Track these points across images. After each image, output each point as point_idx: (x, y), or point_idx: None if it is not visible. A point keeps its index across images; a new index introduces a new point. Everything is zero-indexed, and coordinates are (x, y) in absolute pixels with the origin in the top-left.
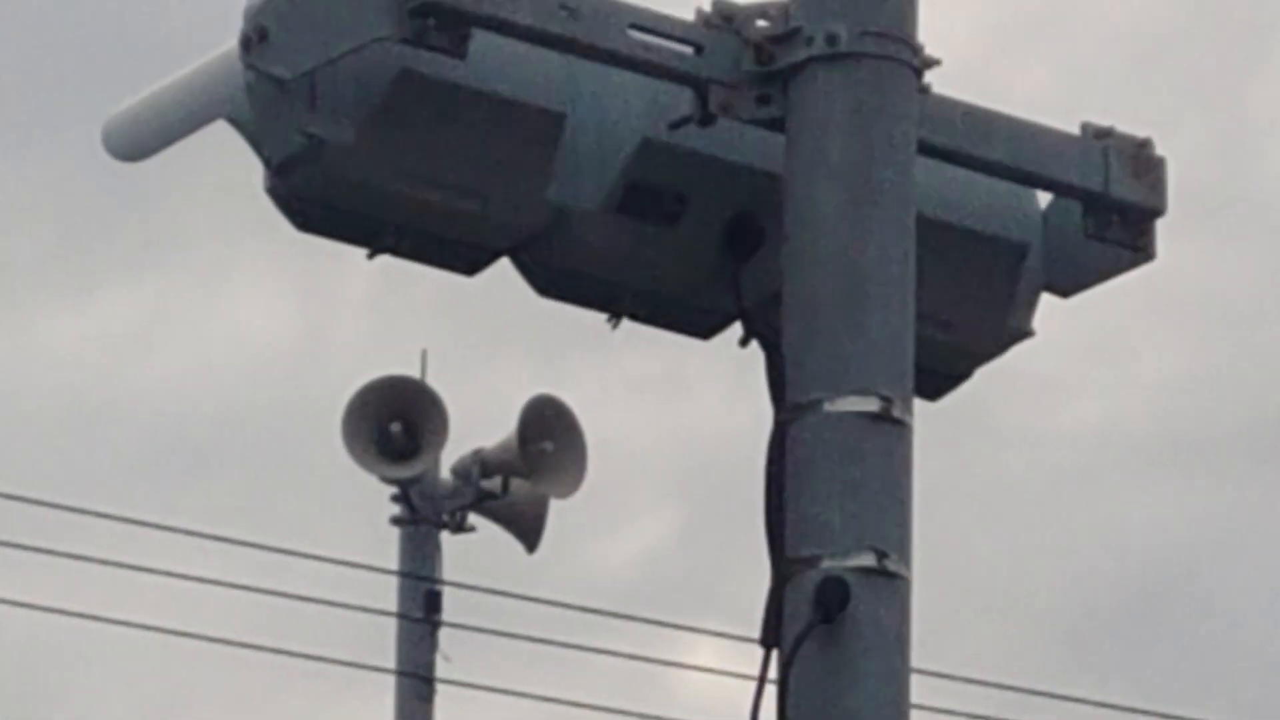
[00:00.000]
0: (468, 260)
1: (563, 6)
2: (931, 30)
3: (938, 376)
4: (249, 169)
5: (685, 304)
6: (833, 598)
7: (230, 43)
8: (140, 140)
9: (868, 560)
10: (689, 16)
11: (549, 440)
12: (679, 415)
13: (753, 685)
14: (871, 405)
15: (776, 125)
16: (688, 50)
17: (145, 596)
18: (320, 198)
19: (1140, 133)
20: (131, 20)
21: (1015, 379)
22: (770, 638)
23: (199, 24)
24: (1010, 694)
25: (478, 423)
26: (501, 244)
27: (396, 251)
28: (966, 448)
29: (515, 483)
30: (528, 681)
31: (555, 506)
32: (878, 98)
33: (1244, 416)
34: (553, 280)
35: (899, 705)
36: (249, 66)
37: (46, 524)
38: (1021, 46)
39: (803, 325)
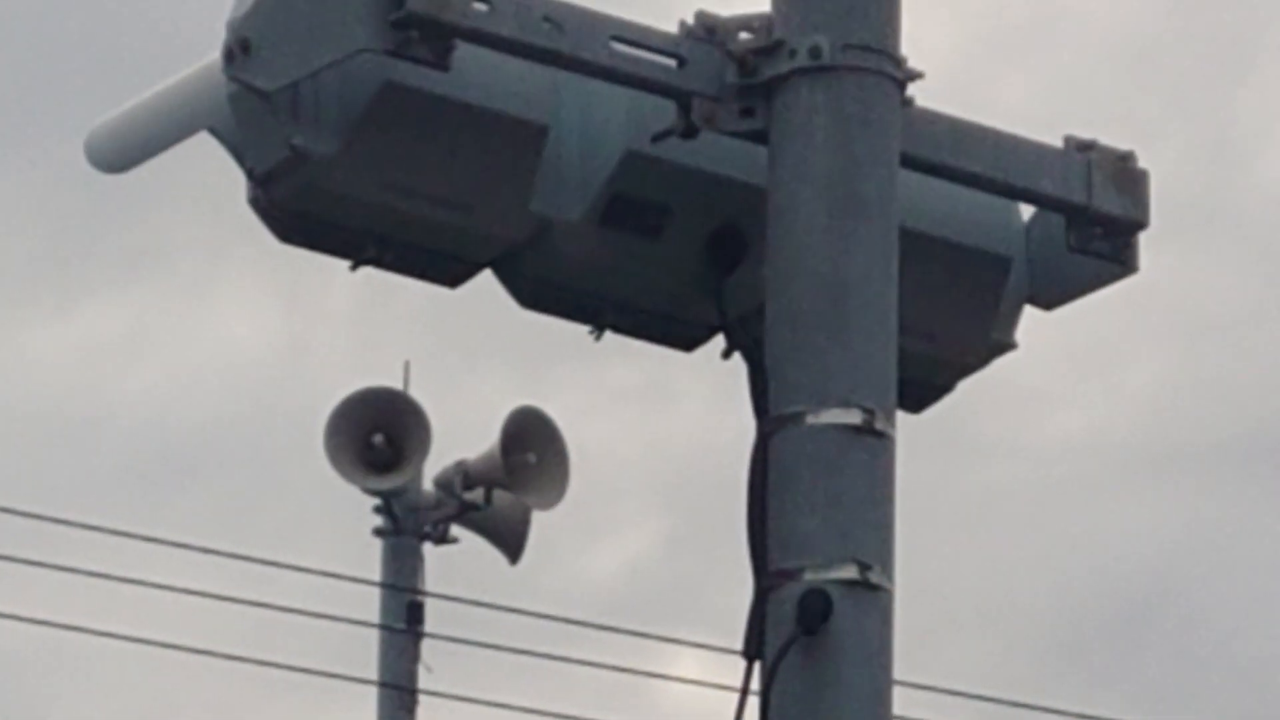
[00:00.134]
0: (451, 272)
1: (546, 19)
2: (914, 43)
3: (920, 389)
4: (233, 180)
5: (668, 316)
6: (815, 610)
7: (213, 55)
8: (123, 152)
9: (850, 572)
10: (672, 29)
11: (531, 452)
12: (662, 427)
13: (735, 697)
14: (854, 418)
15: (759, 138)
16: (671, 63)
17: (128, 607)
18: (303, 209)
19: (1124, 145)
20: (115, 32)
21: (998, 391)
22: (753, 649)
23: (183, 36)
24: (994, 706)
25: (460, 434)
26: (484, 256)
27: (379, 263)
28: (949, 460)
29: (498, 494)
30: (510, 693)
31: (538, 518)
32: (861, 110)
33: (1229, 427)
34: (536, 292)
35: (881, 717)
36: (232, 78)
37: (29, 535)
38: (1005, 59)
39: (785, 337)
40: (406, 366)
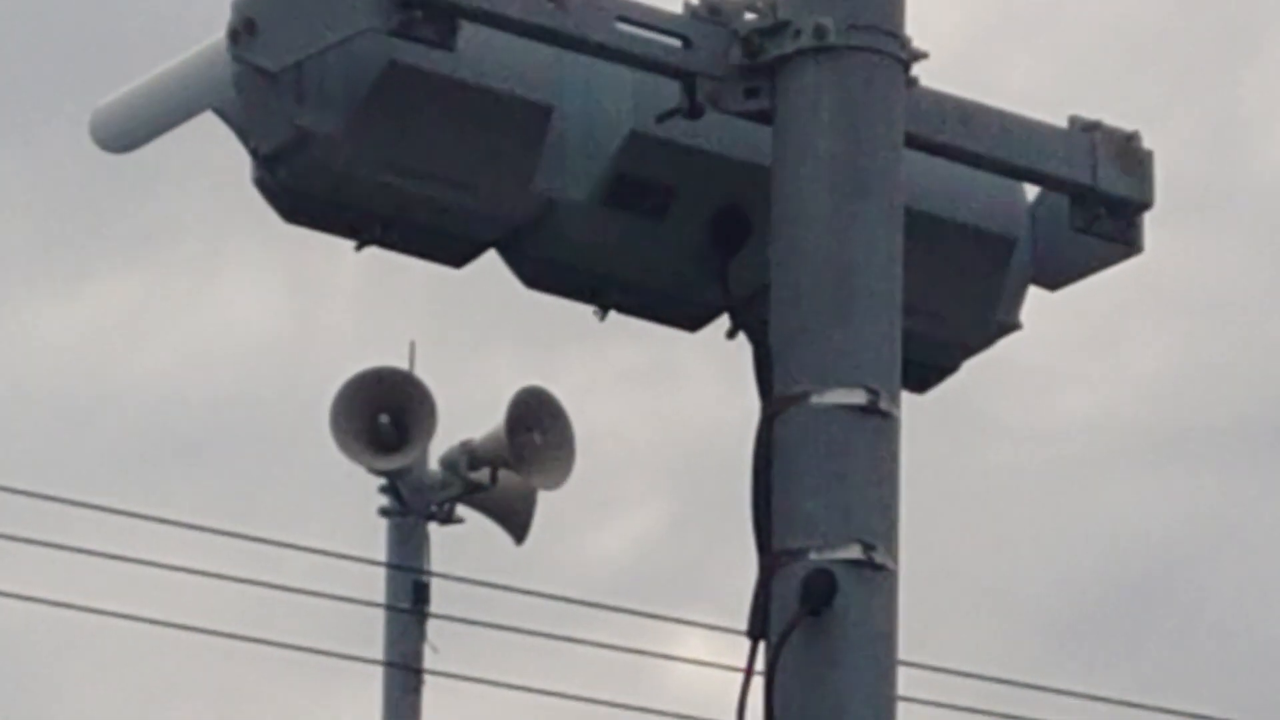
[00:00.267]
0: (455, 252)
1: None
2: (919, 23)
3: (925, 369)
4: (238, 160)
5: (673, 296)
6: (820, 590)
7: (218, 35)
8: (128, 132)
9: (855, 553)
10: (677, 9)
11: (537, 432)
12: (668, 407)
13: (740, 677)
14: (859, 398)
15: (764, 118)
16: (675, 43)
17: (133, 587)
18: (308, 189)
19: (1129, 126)
20: (120, 12)
21: (1003, 372)
22: (757, 629)
23: (187, 16)
24: (998, 686)
25: (466, 414)
26: (489, 236)
27: (384, 243)
28: (954, 440)
29: (503, 474)
30: (516, 673)
31: (544, 498)
32: (865, 91)
33: (1234, 409)
34: (540, 272)
35: (885, 697)
36: (237, 58)
37: (35, 515)
38: (1010, 40)
39: (790, 318)
40: (412, 346)
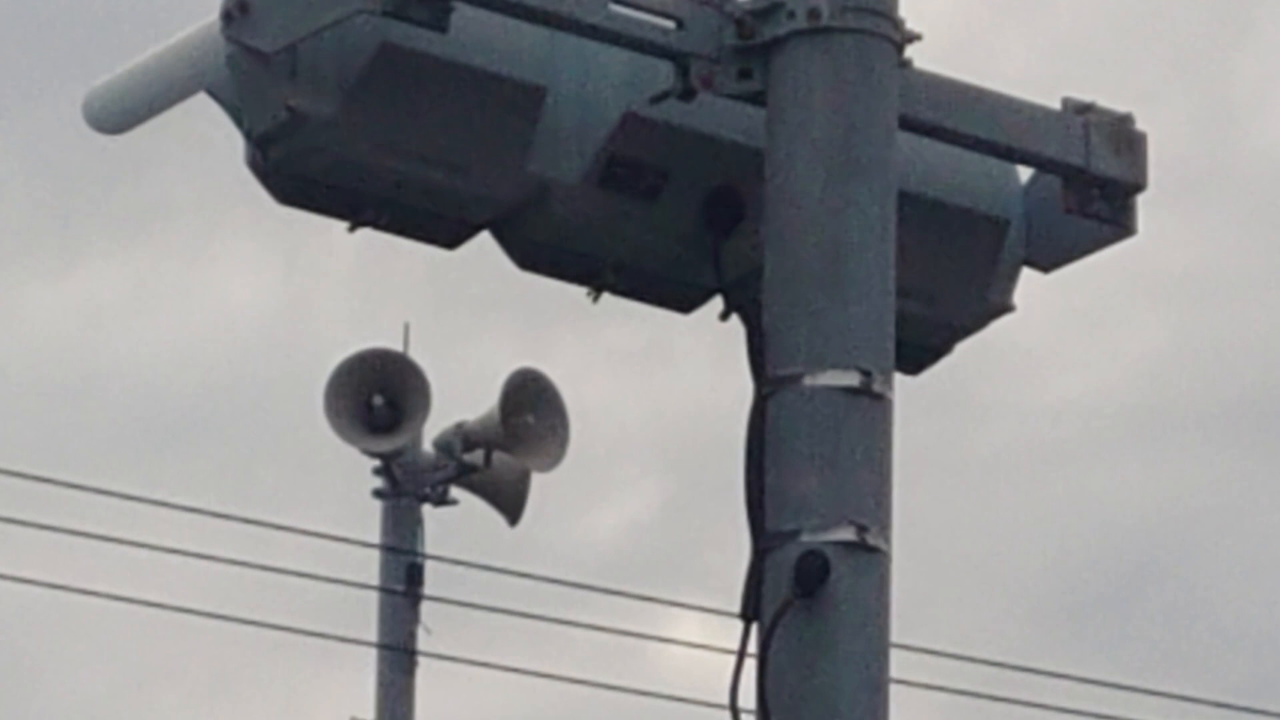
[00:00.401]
0: (448, 233)
1: None
2: (913, 5)
3: (918, 350)
4: (232, 141)
5: (666, 278)
6: (812, 572)
7: (212, 16)
8: (122, 112)
9: (848, 534)
10: None
11: (531, 414)
12: (662, 388)
13: (733, 659)
14: (852, 379)
15: (757, 99)
16: (669, 24)
17: (126, 569)
18: (301, 171)
19: (1123, 107)
20: None
21: (996, 353)
22: (750, 611)
23: None
24: (991, 669)
25: (460, 396)
26: (482, 217)
27: (377, 225)
28: (947, 422)
29: (497, 456)
30: (509, 655)
31: (537, 480)
32: (859, 72)
33: (1227, 391)
34: (533, 253)
35: (878, 679)
36: (230, 39)
37: (27, 497)
38: (1003, 21)
39: (783, 299)
40: (406, 328)
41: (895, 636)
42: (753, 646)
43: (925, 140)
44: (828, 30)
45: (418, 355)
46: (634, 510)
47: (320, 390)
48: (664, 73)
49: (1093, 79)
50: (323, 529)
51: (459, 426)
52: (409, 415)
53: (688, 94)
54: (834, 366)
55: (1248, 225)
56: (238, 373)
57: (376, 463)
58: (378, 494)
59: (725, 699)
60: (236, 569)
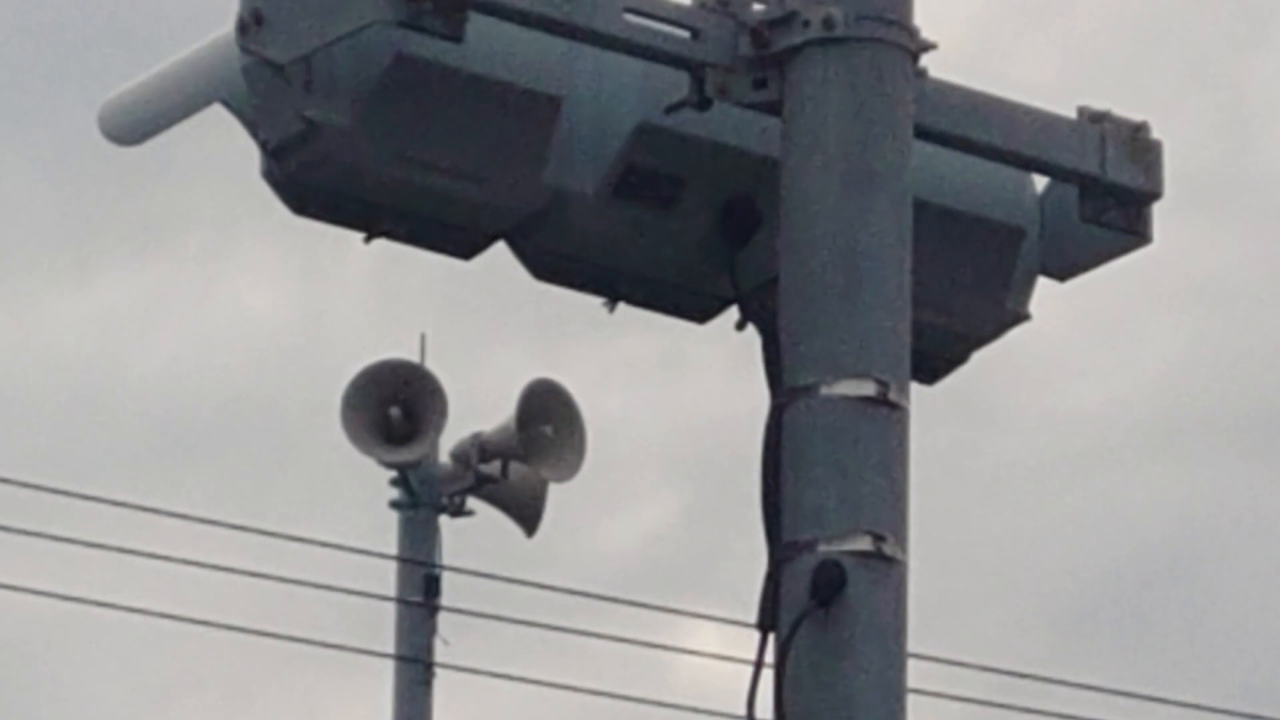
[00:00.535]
0: (464, 244)
1: None
2: (928, 14)
3: (934, 360)
4: (248, 152)
5: (682, 288)
6: (829, 582)
7: (227, 27)
8: (137, 124)
9: (864, 544)
10: (685, 1)
11: (548, 424)
12: (679, 398)
13: (750, 669)
14: (868, 389)
15: (773, 109)
16: (684, 34)
17: (143, 581)
18: (316, 181)
19: (1138, 115)
20: (129, 4)
21: (1012, 362)
22: (767, 621)
23: (196, 8)
24: (1008, 678)
25: (477, 407)
26: (498, 228)
27: (393, 235)
28: (963, 431)
29: (514, 467)
30: (527, 666)
31: (554, 490)
32: (874, 82)
33: (1244, 399)
34: (549, 264)
35: (895, 689)
36: (245, 50)
37: (44, 508)
38: (1018, 30)
39: (799, 309)
40: (423, 339)
41: (912, 646)
42: (770, 657)
43: (940, 149)
44: (843, 39)
45: (434, 366)
46: (651, 520)
47: (337, 401)
48: (679, 82)
49: (1108, 87)
50: (339, 540)
51: (476, 437)
52: (425, 426)
53: (703, 104)
54: (850, 376)
55: (1264, 233)
56: (254, 384)
57: (393, 474)
58: (394, 505)
59: (742, 709)
60: (252, 580)
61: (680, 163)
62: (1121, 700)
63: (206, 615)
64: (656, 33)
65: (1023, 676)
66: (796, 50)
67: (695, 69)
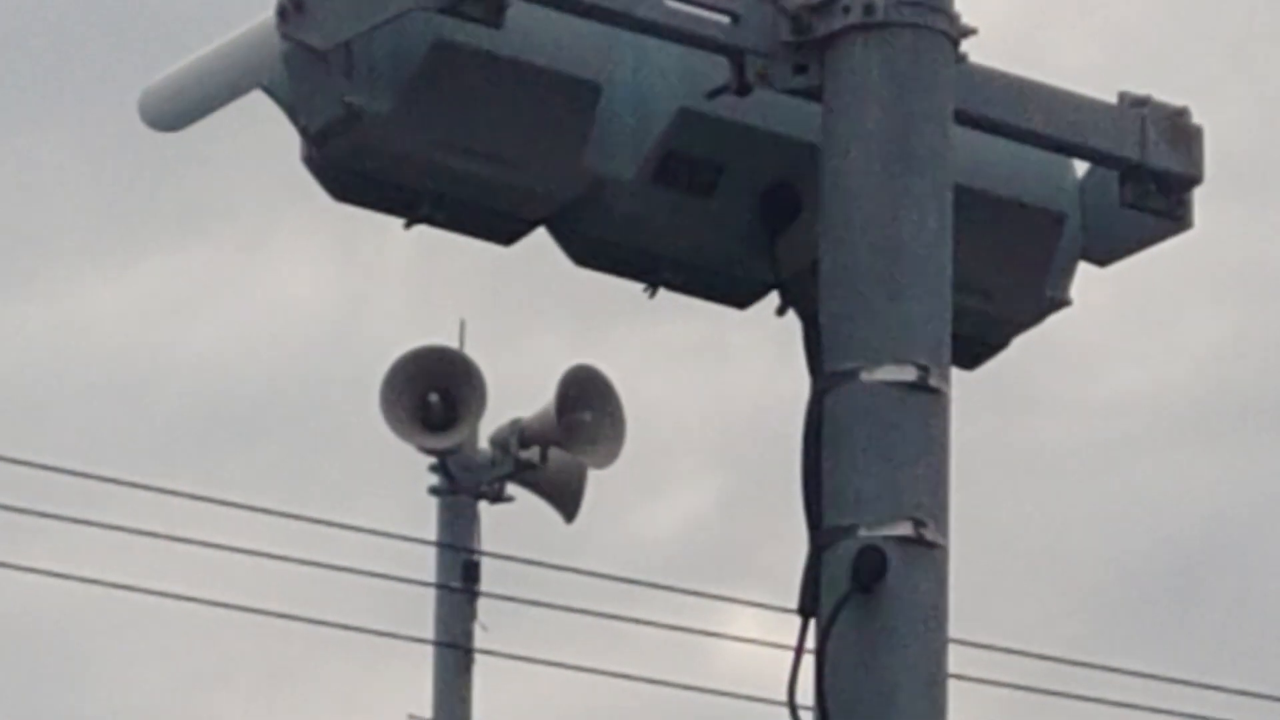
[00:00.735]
0: (504, 230)
1: None
2: None
3: (975, 345)
4: (289, 137)
5: (722, 273)
6: (870, 567)
7: (267, 13)
8: (178, 110)
9: (905, 529)
10: None
11: (587, 410)
12: (719, 384)
13: (791, 655)
14: (909, 374)
15: (813, 95)
16: (724, 19)
17: (184, 567)
18: (357, 167)
19: (1179, 100)
20: None
21: (1053, 348)
22: (808, 607)
23: None
24: (1049, 664)
25: (516, 393)
26: (538, 214)
27: (433, 221)
28: (1004, 417)
29: (553, 453)
30: (566, 652)
31: (593, 476)
32: (915, 67)
33: None
34: (589, 250)
35: (936, 675)
36: (285, 36)
37: (87, 494)
38: (1059, 14)
39: (840, 295)
40: (462, 325)
41: (953, 631)
42: (811, 642)
43: (981, 135)
44: (883, 25)
45: (474, 352)
46: (691, 506)
47: (377, 387)
48: (720, 68)
49: (1149, 72)
50: (379, 526)
51: (515, 423)
52: (465, 412)
53: (743, 89)
54: (891, 361)
55: None
56: (295, 370)
57: (433, 460)
58: (434, 491)
59: (783, 695)
60: (293, 566)
61: (720, 148)
62: (1161, 685)
63: (246, 601)
64: (696, 18)
65: (1062, 661)
66: (837, 36)
67: (735, 54)
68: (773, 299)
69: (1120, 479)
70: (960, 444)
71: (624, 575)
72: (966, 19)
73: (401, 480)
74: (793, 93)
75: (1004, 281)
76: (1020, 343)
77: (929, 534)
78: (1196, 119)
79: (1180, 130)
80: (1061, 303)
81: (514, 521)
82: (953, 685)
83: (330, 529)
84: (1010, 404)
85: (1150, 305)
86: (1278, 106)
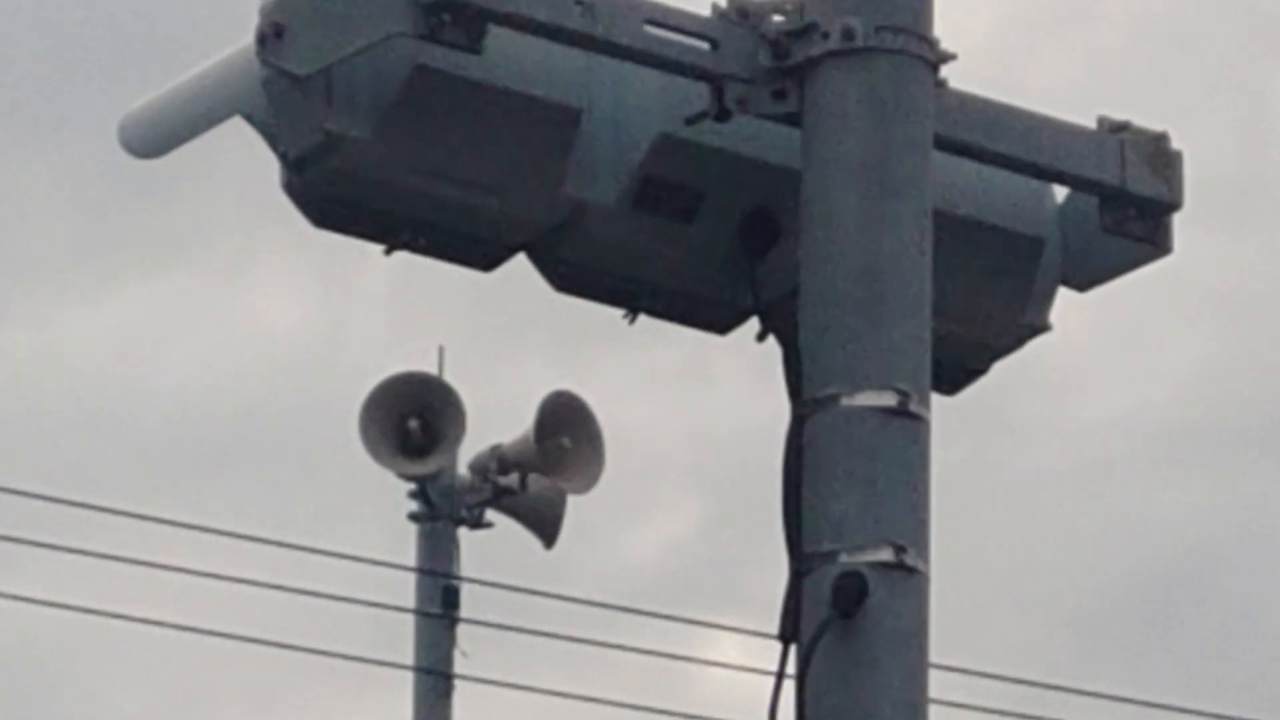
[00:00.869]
0: (485, 256)
1: (579, 2)
2: (947, 23)
3: (955, 370)
4: (268, 163)
5: (702, 299)
6: (851, 593)
7: (246, 39)
8: (157, 137)
9: (885, 555)
10: (705, 12)
11: (566, 436)
12: (700, 409)
13: (772, 680)
14: (889, 400)
15: (793, 120)
16: (704, 45)
17: (163, 593)
18: (336, 194)
19: (1159, 125)
20: (148, 17)
21: (1033, 372)
22: (789, 633)
23: (215, 20)
24: (1030, 689)
25: (495, 419)
26: (518, 239)
27: (413, 247)
28: (984, 442)
29: (533, 478)
30: (546, 677)
31: (573, 502)
32: (894, 92)
33: (1265, 409)
34: (569, 276)
35: (917, 700)
36: (265, 63)
37: (65, 521)
38: (1039, 39)
39: (820, 320)
40: (441, 351)
41: (934, 656)
42: (791, 668)
43: (961, 160)
44: (862, 51)
45: (453, 378)
46: (672, 531)
47: (356, 413)
48: (699, 94)
49: (1129, 97)
50: (358, 552)
51: (494, 449)
52: (444, 438)
53: (723, 115)
54: (871, 387)
55: None
56: (273, 396)
57: (412, 486)
58: (413, 517)
59: None
60: (272, 592)
61: (700, 174)
62: (1141, 709)
63: (226, 627)
64: (676, 44)
65: (1044, 686)
66: (816, 62)
67: (715, 80)
68: (753, 324)
69: (1100, 503)
70: (940, 468)
71: (605, 601)
72: (946, 44)
73: (381, 506)
74: (772, 118)
75: (984, 307)
76: (1000, 367)
77: (910, 559)
78: (1176, 144)
79: (1160, 155)
80: (1041, 328)
81: (493, 547)
82: (934, 710)
83: (310, 555)
84: (990, 428)
85: (1130, 330)
86: (1257, 131)
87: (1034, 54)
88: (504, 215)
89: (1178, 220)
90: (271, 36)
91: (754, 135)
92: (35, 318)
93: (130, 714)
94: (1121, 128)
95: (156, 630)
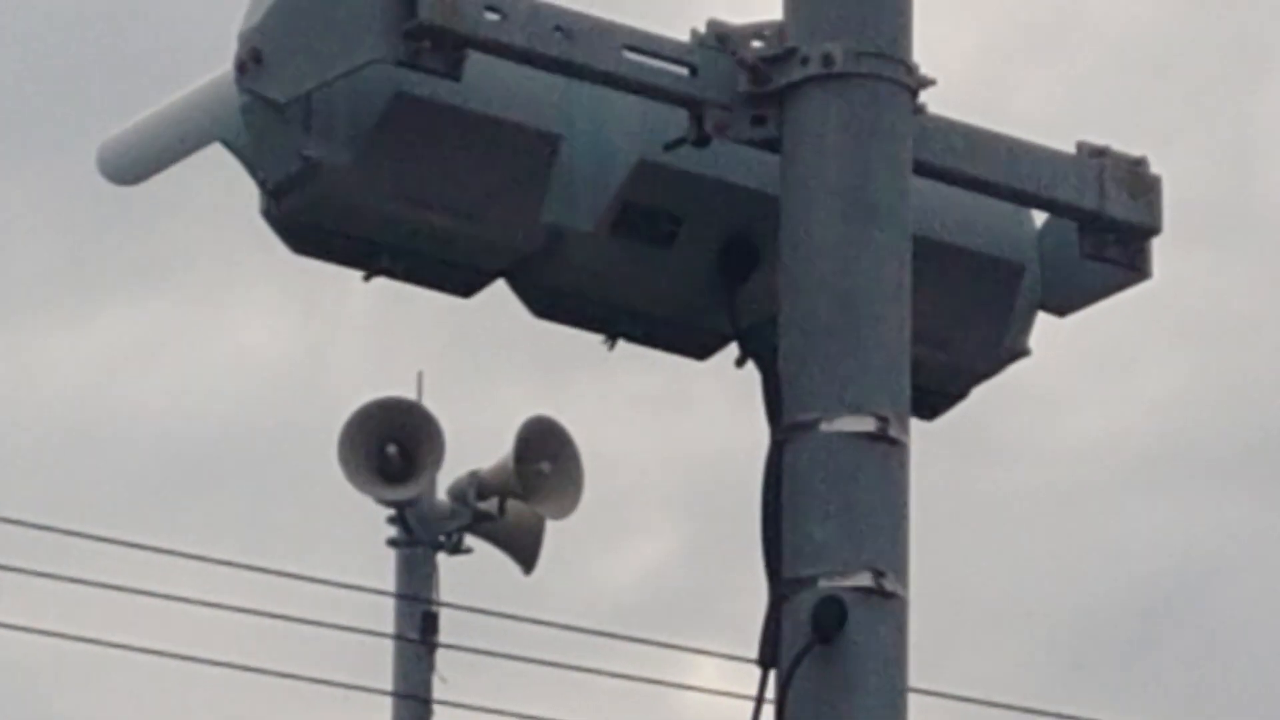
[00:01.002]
0: (463, 282)
1: (557, 28)
2: (927, 47)
3: (934, 395)
4: (248, 190)
5: (681, 325)
6: (830, 617)
7: (225, 66)
8: (136, 164)
9: (865, 580)
10: (684, 38)
11: (545, 461)
12: (679, 434)
13: (751, 705)
14: (868, 425)
15: (772, 146)
16: (683, 71)
17: (141, 618)
18: (315, 220)
19: (1139, 149)
20: (127, 43)
21: (1012, 397)
22: (768, 658)
23: (194, 47)
24: (1009, 713)
25: (474, 444)
26: (497, 265)
27: (392, 274)
28: (963, 466)
29: (511, 504)
30: (526, 703)
31: (552, 527)
32: (873, 118)
33: (1244, 433)
34: (548, 301)
35: None
36: (244, 90)
37: (42, 546)
38: (1019, 64)
39: (799, 345)
40: (420, 376)
41: (913, 681)
42: (771, 693)
43: (940, 185)
44: (842, 76)
45: (432, 404)
46: (651, 556)
47: (335, 439)
48: (678, 120)
49: (1109, 122)
50: (337, 577)
51: (473, 475)
52: (423, 464)
53: (702, 141)
54: (850, 412)
55: (1264, 267)
56: (253, 421)
57: (391, 511)
58: (392, 542)
59: None
60: (251, 618)
61: (679, 200)
62: None
63: (204, 652)
64: (655, 70)
65: (1024, 710)
66: (795, 87)
67: (694, 106)
68: (732, 350)
69: (1080, 527)
70: (919, 492)
71: (584, 626)
72: (925, 70)
73: (359, 532)
74: (751, 144)
75: (963, 332)
76: (979, 391)
77: (889, 584)
78: (1155, 169)
79: (1139, 180)
80: (1020, 353)
81: (472, 573)
82: None
83: (288, 580)
84: (970, 453)
85: (1109, 354)
86: (1236, 156)
87: (1013, 79)
88: (483, 241)
89: (1157, 245)
90: (251, 63)
91: (733, 161)
92: (15, 342)
93: None
94: (1101, 153)
95: (134, 655)
